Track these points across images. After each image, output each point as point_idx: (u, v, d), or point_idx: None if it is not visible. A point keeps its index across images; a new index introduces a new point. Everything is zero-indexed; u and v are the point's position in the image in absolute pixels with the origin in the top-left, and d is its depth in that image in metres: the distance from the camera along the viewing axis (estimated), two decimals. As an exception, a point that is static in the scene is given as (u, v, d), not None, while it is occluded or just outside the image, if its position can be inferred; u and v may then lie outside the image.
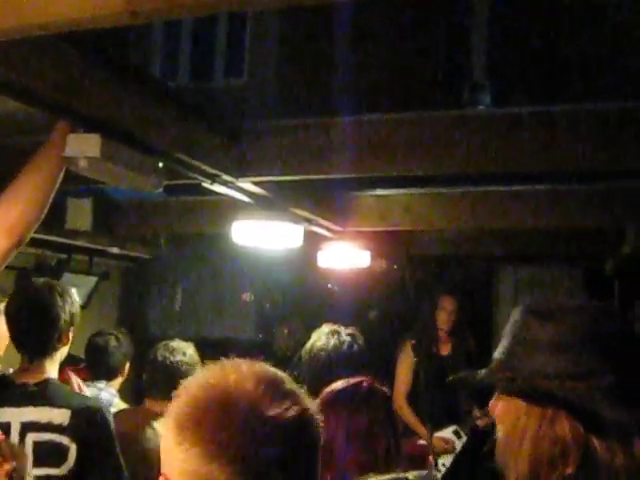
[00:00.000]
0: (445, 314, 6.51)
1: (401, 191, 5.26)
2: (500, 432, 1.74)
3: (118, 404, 4.34)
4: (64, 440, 3.23)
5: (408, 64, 8.40)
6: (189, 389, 1.37)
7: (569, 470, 1.59)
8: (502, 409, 1.73)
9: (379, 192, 5.30)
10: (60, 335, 3.47)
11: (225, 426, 1.30)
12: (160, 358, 4.07)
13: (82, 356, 4.92)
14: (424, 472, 1.98)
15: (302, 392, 1.42)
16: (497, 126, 3.77)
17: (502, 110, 4.08)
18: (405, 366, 6.44)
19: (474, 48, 8.85)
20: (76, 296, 3.81)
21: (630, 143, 3.57)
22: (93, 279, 6.86)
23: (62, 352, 3.56)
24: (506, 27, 8.24)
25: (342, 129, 3.87)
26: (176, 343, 4.17)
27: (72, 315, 3.54)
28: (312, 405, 1.42)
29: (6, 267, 2.97)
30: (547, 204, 5.13)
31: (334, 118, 3.96)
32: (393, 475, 1.96)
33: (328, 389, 2.72)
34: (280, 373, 1.44)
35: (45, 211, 2.92)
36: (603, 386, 1.61)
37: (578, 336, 1.66)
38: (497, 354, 1.79)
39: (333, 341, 3.70)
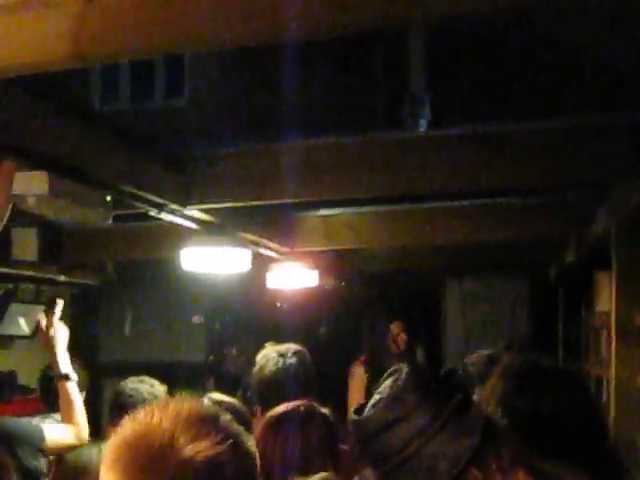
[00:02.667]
0: (397, 337, 6.57)
1: (345, 210, 5.29)
2: None
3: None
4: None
5: (349, 83, 8.47)
6: (120, 430, 1.38)
7: None
8: None
9: (324, 212, 5.32)
10: None
11: (138, 467, 1.31)
12: (127, 391, 4.05)
13: (32, 386, 4.88)
14: None
15: (232, 426, 1.41)
16: (437, 146, 3.84)
17: (441, 131, 4.15)
18: (357, 381, 6.45)
19: (413, 64, 8.93)
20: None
21: (567, 158, 3.66)
22: (41, 308, 6.78)
23: None
24: (444, 42, 8.33)
25: (287, 154, 3.90)
26: (144, 378, 4.15)
27: None
28: (241, 440, 1.40)
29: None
30: (490, 218, 5.20)
31: (278, 143, 4.00)
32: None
33: (269, 414, 2.72)
34: (210, 410, 1.44)
35: None
36: (431, 435, 1.71)
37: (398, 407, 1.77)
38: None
39: (280, 364, 3.72)
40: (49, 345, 3.88)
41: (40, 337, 3.99)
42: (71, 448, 3.61)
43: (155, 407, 1.40)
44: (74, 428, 3.69)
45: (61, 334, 3.98)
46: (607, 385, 4.99)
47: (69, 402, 3.73)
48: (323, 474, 1.99)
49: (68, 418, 3.68)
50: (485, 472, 1.70)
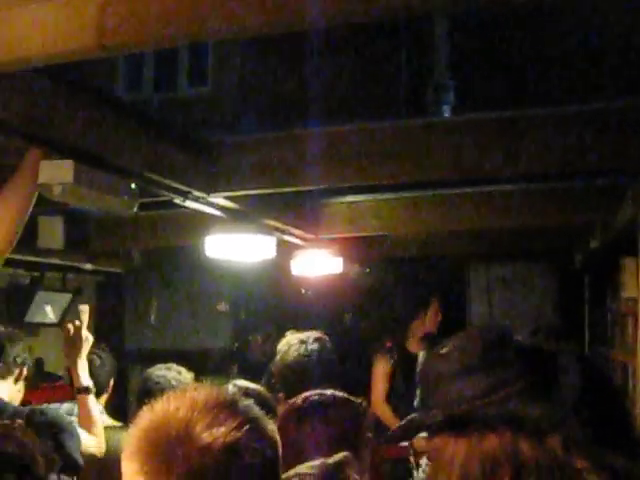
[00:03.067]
0: (430, 317, 6.54)
1: (370, 197, 5.29)
2: (430, 469, 1.74)
3: (106, 421, 4.34)
4: None
5: (373, 70, 8.45)
6: (138, 419, 1.39)
7: None
8: (431, 447, 1.70)
9: (349, 199, 5.32)
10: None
11: (158, 454, 1.32)
12: (154, 378, 4.07)
13: (59, 373, 4.91)
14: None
15: (252, 411, 1.41)
16: (461, 131, 3.83)
17: (467, 116, 4.13)
18: (381, 369, 6.38)
19: (436, 49, 8.91)
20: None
21: (593, 143, 3.64)
22: (67, 296, 6.84)
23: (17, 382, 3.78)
24: (468, 27, 8.30)
25: (311, 141, 3.91)
26: (171, 366, 4.17)
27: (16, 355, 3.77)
28: (261, 425, 1.41)
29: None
30: (516, 203, 5.18)
31: (303, 130, 4.00)
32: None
33: (293, 400, 2.71)
34: (229, 397, 1.44)
35: (17, 238, 2.93)
36: (515, 392, 1.59)
37: (475, 358, 1.63)
38: (417, 403, 1.83)
39: (301, 351, 3.72)
40: (72, 357, 3.91)
41: (65, 347, 4.01)
42: (91, 457, 3.63)
43: (172, 396, 1.41)
44: (96, 439, 3.72)
45: (86, 346, 4.01)
46: (633, 372, 4.97)
47: (89, 415, 3.79)
48: (342, 454, 1.98)
49: (88, 430, 3.70)
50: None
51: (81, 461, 3.41)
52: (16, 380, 3.79)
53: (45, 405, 4.31)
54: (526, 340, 2.69)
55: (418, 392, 1.68)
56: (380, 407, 6.05)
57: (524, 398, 1.58)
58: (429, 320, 6.51)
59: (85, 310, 4.16)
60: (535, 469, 1.57)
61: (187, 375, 4.12)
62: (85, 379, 3.94)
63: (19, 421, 2.84)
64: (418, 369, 1.69)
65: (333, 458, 1.95)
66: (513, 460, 1.59)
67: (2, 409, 3.42)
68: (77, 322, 4.06)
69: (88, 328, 4.05)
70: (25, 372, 3.85)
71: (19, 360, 3.78)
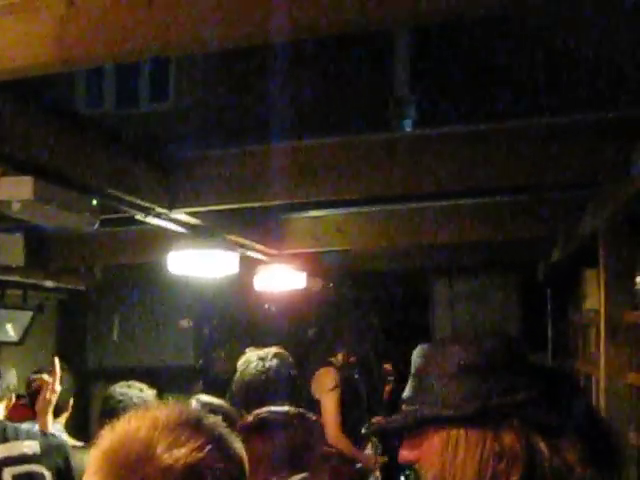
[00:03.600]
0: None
1: (333, 211, 5.30)
2: (433, 467, 1.69)
3: (67, 440, 4.30)
4: (41, 469, 3.34)
5: (334, 85, 8.49)
6: (99, 440, 1.37)
7: (514, 479, 1.60)
8: (432, 443, 1.68)
9: (311, 213, 5.33)
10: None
11: (119, 476, 1.30)
12: (117, 396, 4.06)
13: (20, 392, 4.85)
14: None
15: (216, 429, 1.40)
16: (422, 146, 3.85)
17: (428, 131, 4.15)
18: (329, 389, 5.97)
19: (397, 63, 8.96)
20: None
21: (553, 157, 3.67)
22: (28, 313, 6.78)
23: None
24: (428, 43, 8.35)
25: (274, 156, 3.91)
26: (133, 383, 4.16)
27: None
28: (225, 443, 1.39)
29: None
30: (478, 217, 5.21)
31: (265, 145, 3.99)
32: None
33: (253, 414, 2.69)
34: (192, 414, 1.41)
35: None
36: (532, 397, 1.64)
37: (498, 358, 1.68)
38: (408, 393, 1.75)
39: (259, 367, 3.74)
40: (43, 406, 3.91)
41: (39, 403, 3.99)
42: None
43: (133, 415, 1.38)
44: None
45: (55, 397, 4.01)
46: (596, 383, 5.00)
47: None
48: (303, 474, 1.95)
49: None
50: None
51: None
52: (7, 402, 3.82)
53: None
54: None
55: (410, 385, 1.62)
56: (336, 435, 5.62)
57: (539, 405, 1.64)
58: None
59: (57, 363, 4.16)
60: (548, 471, 1.59)
61: (149, 392, 4.10)
62: (51, 426, 3.99)
63: None
64: (415, 363, 1.66)
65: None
66: (529, 458, 1.61)
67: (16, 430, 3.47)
68: (47, 377, 4.07)
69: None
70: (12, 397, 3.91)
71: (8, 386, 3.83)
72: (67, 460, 3.44)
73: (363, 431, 1.82)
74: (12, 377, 3.90)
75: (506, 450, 1.62)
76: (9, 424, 3.51)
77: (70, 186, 3.12)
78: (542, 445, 1.61)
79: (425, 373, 1.73)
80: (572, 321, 7.07)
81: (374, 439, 5.90)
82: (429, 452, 1.70)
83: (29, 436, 3.41)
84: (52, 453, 3.40)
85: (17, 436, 3.37)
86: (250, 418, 2.65)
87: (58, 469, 3.38)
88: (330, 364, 5.94)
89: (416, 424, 1.70)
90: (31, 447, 3.34)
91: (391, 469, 6.30)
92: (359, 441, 5.74)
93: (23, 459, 3.28)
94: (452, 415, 1.67)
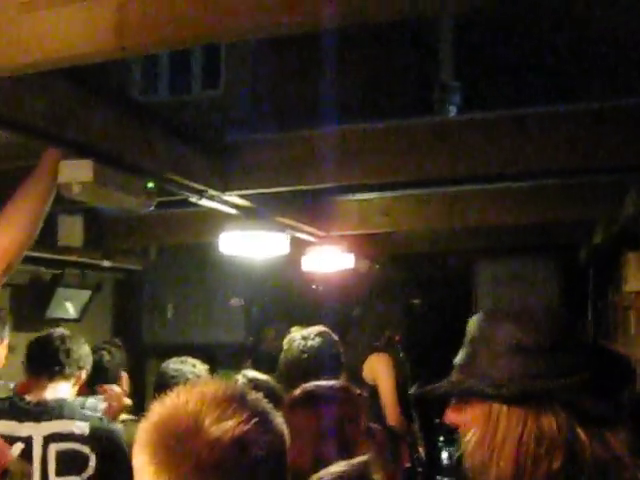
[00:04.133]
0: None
1: (379, 194, 5.30)
2: (474, 436, 1.70)
3: (122, 415, 4.35)
4: (85, 449, 3.38)
5: (381, 71, 8.45)
6: (150, 413, 1.39)
7: (555, 465, 1.59)
8: (475, 414, 1.70)
9: (359, 196, 5.34)
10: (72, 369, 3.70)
11: (166, 447, 1.32)
12: (171, 373, 4.09)
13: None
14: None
15: (260, 405, 1.41)
16: (467, 131, 3.84)
17: (472, 115, 4.12)
18: (389, 361, 6.00)
19: (442, 51, 8.90)
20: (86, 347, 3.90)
21: (596, 141, 3.63)
22: (86, 292, 6.88)
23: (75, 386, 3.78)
24: (473, 30, 8.29)
25: (322, 140, 3.92)
26: (186, 359, 4.19)
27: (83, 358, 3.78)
28: (268, 418, 1.40)
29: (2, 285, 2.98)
30: (521, 200, 5.19)
31: (314, 130, 4.00)
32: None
33: (299, 389, 2.69)
34: (237, 390, 1.43)
35: (36, 236, 2.92)
36: (581, 381, 1.62)
37: (552, 338, 1.66)
38: (459, 360, 1.75)
39: (301, 347, 3.75)
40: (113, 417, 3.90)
41: (108, 410, 3.95)
42: None
43: (181, 389, 1.41)
44: None
45: (122, 409, 4.05)
46: (636, 364, 4.96)
47: None
48: (364, 457, 1.85)
49: None
50: None
51: None
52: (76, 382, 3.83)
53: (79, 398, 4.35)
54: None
55: (463, 352, 1.62)
56: (394, 411, 5.65)
57: (587, 391, 1.61)
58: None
59: (125, 378, 4.24)
60: (591, 460, 1.57)
61: (201, 367, 4.13)
62: None
63: None
64: (470, 331, 1.65)
65: (357, 460, 1.83)
66: (569, 446, 1.59)
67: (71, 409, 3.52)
68: (117, 389, 4.13)
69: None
70: (84, 375, 3.88)
71: (82, 363, 3.81)
72: (116, 446, 3.46)
73: (410, 391, 1.81)
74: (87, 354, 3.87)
75: (545, 434, 1.61)
76: (69, 401, 3.55)
77: (127, 169, 3.15)
78: (582, 433, 1.59)
79: (478, 344, 1.73)
80: (612, 303, 7.00)
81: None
82: (472, 421, 1.70)
83: (82, 417, 3.45)
84: (101, 437, 3.42)
85: (72, 415, 3.43)
86: (297, 392, 2.66)
87: (103, 452, 3.40)
88: (376, 349, 5.96)
89: (461, 395, 1.71)
90: (81, 428, 3.39)
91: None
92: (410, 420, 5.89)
93: (70, 437, 3.32)
94: (495, 394, 1.66)
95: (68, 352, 3.70)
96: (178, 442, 1.31)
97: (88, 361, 3.85)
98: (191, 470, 1.29)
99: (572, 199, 5.15)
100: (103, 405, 4.02)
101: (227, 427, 1.32)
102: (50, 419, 3.35)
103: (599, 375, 1.65)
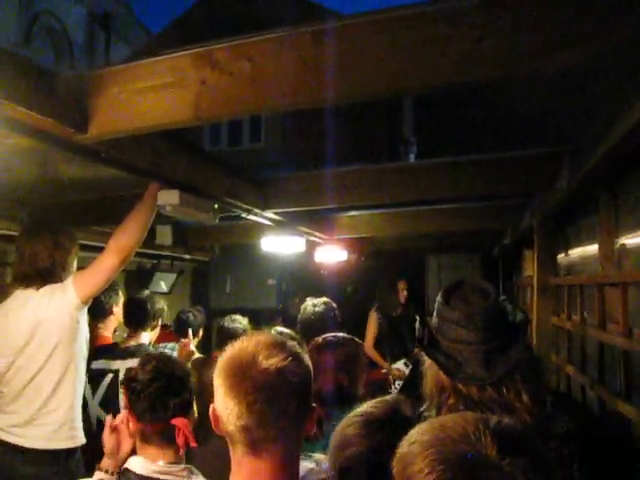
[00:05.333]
0: (401, 291, 6.57)
1: (365, 212, 5.30)
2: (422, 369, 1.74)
3: (197, 354, 4.37)
4: None
5: (364, 131, 8.46)
6: (224, 351, 1.41)
7: (450, 401, 1.61)
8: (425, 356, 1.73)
9: (350, 214, 5.34)
10: (150, 321, 3.63)
11: (234, 374, 1.33)
12: (226, 325, 4.10)
13: (170, 324, 4.93)
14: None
15: (294, 348, 1.40)
16: (421, 171, 3.83)
17: (424, 161, 4.13)
18: (372, 323, 6.39)
19: (405, 117, 8.90)
20: (161, 302, 3.85)
21: (507, 177, 3.63)
22: (174, 275, 6.89)
23: (154, 330, 3.71)
24: (426, 102, 8.29)
25: (325, 177, 3.92)
26: (236, 316, 4.18)
27: (157, 311, 3.70)
28: (299, 357, 1.38)
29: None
30: (456, 216, 5.17)
31: (320, 170, 4.00)
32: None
33: (317, 339, 2.69)
34: (281, 338, 1.43)
35: (143, 238, 2.93)
36: (473, 350, 1.61)
37: (465, 316, 1.64)
38: (432, 318, 1.76)
39: (311, 311, 3.75)
40: (185, 359, 3.84)
41: (179, 354, 3.96)
42: None
43: (244, 338, 1.42)
44: None
45: (189, 357, 3.96)
46: (531, 324, 4.96)
47: None
48: (395, 396, 1.77)
49: None
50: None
51: None
52: (154, 328, 3.80)
53: (163, 344, 4.34)
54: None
55: (434, 316, 1.60)
56: (369, 348, 6.05)
57: (481, 358, 1.59)
58: (400, 293, 6.54)
59: (191, 337, 4.20)
60: (475, 400, 1.58)
61: (244, 322, 4.11)
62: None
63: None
64: (437, 302, 1.64)
65: (392, 397, 1.73)
66: (455, 390, 1.61)
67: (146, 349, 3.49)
68: (191, 346, 4.10)
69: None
70: (160, 322, 3.86)
71: (158, 314, 3.78)
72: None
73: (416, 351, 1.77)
74: (162, 308, 3.82)
75: (439, 381, 1.64)
76: (144, 346, 3.52)
77: (202, 195, 3.16)
78: (461, 387, 1.59)
79: (440, 316, 1.72)
80: (516, 283, 7.00)
81: (405, 360, 6.05)
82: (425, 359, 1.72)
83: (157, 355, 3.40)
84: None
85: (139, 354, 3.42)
86: (320, 340, 2.66)
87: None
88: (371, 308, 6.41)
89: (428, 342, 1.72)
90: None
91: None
92: (388, 359, 6.13)
93: None
94: (424, 345, 1.71)
95: (145, 310, 3.66)
96: (241, 370, 1.33)
97: (161, 313, 3.78)
98: (249, 388, 1.31)
99: (489, 216, 5.15)
100: (175, 353, 4.02)
101: (272, 362, 1.33)
102: (133, 357, 3.30)
103: (496, 349, 1.61)
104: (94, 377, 3.37)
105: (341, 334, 2.73)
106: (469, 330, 1.62)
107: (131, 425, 2.00)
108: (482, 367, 1.59)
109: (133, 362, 3.18)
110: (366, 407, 1.64)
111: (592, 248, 3.51)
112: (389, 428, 1.50)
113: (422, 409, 1.67)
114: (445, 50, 1.61)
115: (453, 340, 1.64)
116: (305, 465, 1.55)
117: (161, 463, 1.91)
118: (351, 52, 1.72)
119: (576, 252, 4.06)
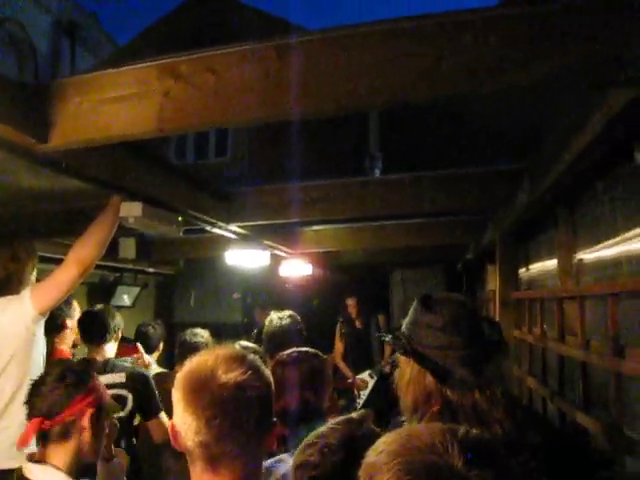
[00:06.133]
0: (351, 307, 6.63)
1: (329, 226, 5.31)
2: (397, 376, 1.72)
3: (156, 369, 4.31)
4: (124, 392, 3.29)
5: (330, 146, 8.50)
6: (184, 365, 1.39)
7: (435, 408, 1.60)
8: (401, 361, 1.73)
9: (315, 228, 5.35)
10: (112, 333, 3.54)
11: (193, 389, 1.32)
12: (187, 339, 4.06)
13: (132, 337, 4.86)
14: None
15: (255, 362, 1.39)
16: (386, 186, 3.87)
17: (389, 176, 4.17)
18: (339, 337, 6.54)
19: (370, 132, 8.98)
20: (117, 314, 3.78)
21: (468, 193, 3.68)
22: (137, 288, 6.81)
23: (117, 342, 3.62)
24: (391, 119, 8.38)
25: (290, 191, 3.92)
26: (197, 330, 4.14)
27: (117, 323, 3.59)
28: (259, 371, 1.38)
29: (80, 283, 2.93)
30: (420, 231, 5.22)
31: (285, 184, 4.00)
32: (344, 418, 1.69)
33: (281, 354, 2.66)
34: (241, 352, 1.41)
35: (103, 251, 2.88)
36: (459, 355, 1.60)
37: (450, 322, 1.64)
38: (403, 327, 1.75)
39: (277, 324, 3.71)
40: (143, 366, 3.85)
41: (139, 362, 3.94)
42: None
43: (204, 352, 1.41)
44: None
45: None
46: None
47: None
48: (364, 410, 1.71)
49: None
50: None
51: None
52: (116, 340, 3.73)
53: (121, 358, 4.26)
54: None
55: (405, 321, 1.61)
56: (337, 360, 6.23)
57: (462, 363, 1.59)
58: (351, 309, 6.61)
59: (141, 350, 4.14)
60: (458, 406, 1.58)
61: (206, 335, 4.09)
62: (148, 360, 4.11)
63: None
64: (412, 308, 1.65)
65: (357, 414, 1.69)
66: (442, 396, 1.60)
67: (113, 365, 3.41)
68: (147, 358, 4.08)
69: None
70: (120, 334, 3.78)
71: (117, 326, 3.69)
72: (146, 385, 3.35)
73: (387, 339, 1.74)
74: (120, 320, 3.77)
75: (426, 387, 1.62)
76: (112, 360, 3.45)
77: (165, 208, 3.13)
78: (449, 392, 1.58)
79: (414, 321, 1.71)
80: (479, 297, 7.07)
81: (370, 371, 6.11)
82: (401, 364, 1.72)
83: (120, 369, 3.34)
84: (135, 381, 3.31)
85: (113, 370, 3.33)
86: (284, 356, 2.62)
87: (137, 392, 3.30)
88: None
89: (404, 351, 1.70)
90: (120, 377, 3.29)
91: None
92: (357, 367, 6.27)
93: (113, 385, 3.21)
94: (404, 349, 1.69)
95: (104, 323, 3.55)
96: (200, 385, 1.31)
97: (120, 325, 3.67)
98: (208, 404, 1.29)
99: (453, 230, 5.21)
100: (129, 364, 3.95)
101: (232, 376, 1.32)
102: (104, 373, 3.24)
103: (475, 353, 1.62)
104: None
105: (305, 349, 2.71)
106: (454, 336, 1.62)
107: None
108: (468, 372, 1.60)
109: (106, 379, 3.13)
110: (326, 428, 1.61)
111: (552, 263, 3.58)
112: (348, 449, 1.49)
113: (402, 419, 1.67)
114: (407, 67, 1.64)
115: (436, 347, 1.63)
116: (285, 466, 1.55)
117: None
118: (315, 67, 1.74)
119: (536, 267, 4.13)
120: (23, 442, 1.93)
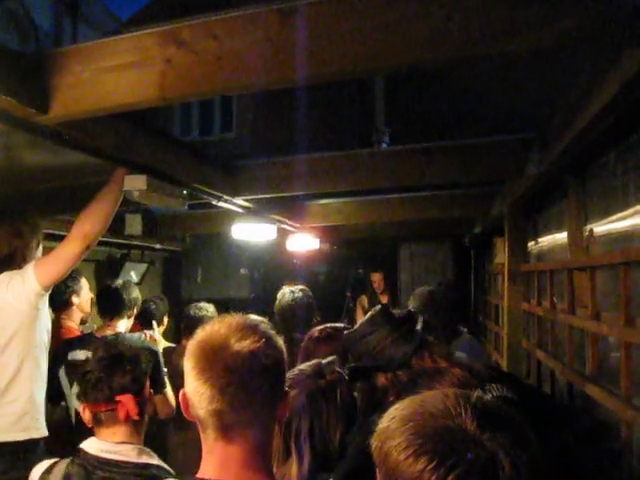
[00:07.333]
0: (378, 282, 6.65)
1: (336, 200, 5.28)
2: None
3: (162, 343, 4.32)
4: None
5: (337, 118, 8.44)
6: (195, 335, 1.37)
7: (391, 398, 1.67)
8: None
9: (322, 201, 5.32)
10: (127, 309, 3.54)
11: (205, 357, 1.30)
12: (192, 313, 4.06)
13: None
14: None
15: (267, 331, 1.37)
16: (393, 158, 3.82)
17: (396, 147, 4.12)
18: (361, 311, 6.57)
19: (377, 105, 8.90)
20: (136, 290, 3.78)
21: (476, 164, 3.63)
22: (144, 265, 6.80)
23: (130, 319, 3.63)
24: (398, 91, 8.29)
25: (297, 164, 3.88)
26: (202, 304, 4.15)
27: (132, 299, 3.62)
28: (273, 339, 1.37)
29: (88, 260, 2.93)
30: (427, 204, 5.19)
31: (293, 157, 3.97)
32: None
33: (314, 330, 2.68)
34: (253, 320, 1.40)
35: (108, 225, 2.87)
36: (392, 337, 1.85)
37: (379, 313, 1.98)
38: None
39: (291, 297, 3.73)
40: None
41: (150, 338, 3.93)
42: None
43: (216, 321, 1.38)
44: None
45: None
46: (502, 310, 5.00)
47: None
48: (332, 357, 2.01)
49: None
50: (421, 361, 1.77)
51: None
52: (130, 316, 3.73)
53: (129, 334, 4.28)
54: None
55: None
56: None
57: (395, 344, 1.85)
58: (378, 284, 6.62)
59: (166, 322, 4.23)
60: (392, 387, 1.76)
61: (211, 309, 4.12)
62: (156, 335, 4.07)
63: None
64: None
65: (326, 359, 1.97)
66: (397, 388, 1.76)
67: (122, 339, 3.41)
68: (156, 335, 4.07)
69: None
70: (135, 311, 3.78)
71: (133, 302, 3.70)
72: (154, 360, 3.30)
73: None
74: (137, 297, 3.75)
75: (382, 385, 1.80)
76: (121, 335, 3.44)
77: (170, 181, 3.11)
78: (382, 378, 1.84)
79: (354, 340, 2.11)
80: (487, 270, 7.06)
81: None
82: None
83: (129, 342, 3.36)
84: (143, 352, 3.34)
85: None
86: (317, 332, 2.63)
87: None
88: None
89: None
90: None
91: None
92: None
93: None
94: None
95: (121, 298, 3.60)
96: (213, 353, 1.30)
97: (136, 301, 3.72)
98: (220, 372, 1.28)
99: (461, 203, 5.16)
100: (138, 338, 3.96)
101: (245, 344, 1.30)
102: None
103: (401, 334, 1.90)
104: (72, 368, 3.29)
105: (339, 324, 2.72)
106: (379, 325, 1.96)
107: (87, 413, 1.99)
108: (396, 349, 1.81)
109: None
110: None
111: (561, 236, 3.54)
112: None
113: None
114: (415, 29, 1.59)
115: (361, 336, 1.93)
116: None
117: (109, 442, 1.95)
118: (319, 32, 1.69)
119: (546, 240, 4.09)
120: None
